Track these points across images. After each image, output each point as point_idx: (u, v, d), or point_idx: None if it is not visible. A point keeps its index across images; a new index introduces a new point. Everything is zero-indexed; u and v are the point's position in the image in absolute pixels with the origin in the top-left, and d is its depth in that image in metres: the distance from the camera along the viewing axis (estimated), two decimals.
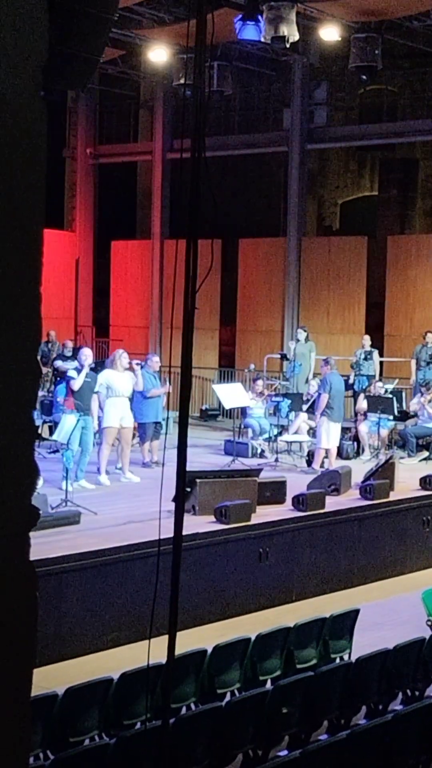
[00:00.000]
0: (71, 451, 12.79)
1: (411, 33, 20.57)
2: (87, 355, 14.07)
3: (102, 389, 14.09)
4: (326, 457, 15.37)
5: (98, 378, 14.13)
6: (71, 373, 13.91)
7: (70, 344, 20.20)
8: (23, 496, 2.53)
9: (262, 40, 16.64)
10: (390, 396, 17.06)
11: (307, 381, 18.35)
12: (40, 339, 2.60)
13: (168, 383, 15.48)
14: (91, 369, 14.25)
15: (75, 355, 15.78)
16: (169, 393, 15.71)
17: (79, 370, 13.82)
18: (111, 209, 27.58)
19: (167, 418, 15.72)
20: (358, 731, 6.57)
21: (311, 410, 16.34)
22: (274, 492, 12.76)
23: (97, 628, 10.15)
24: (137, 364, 14.84)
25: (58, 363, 17.32)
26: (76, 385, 13.62)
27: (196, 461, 14.44)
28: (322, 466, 15.16)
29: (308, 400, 16.82)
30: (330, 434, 15.19)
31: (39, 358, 2.60)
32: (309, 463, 15.64)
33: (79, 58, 4.11)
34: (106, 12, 4.17)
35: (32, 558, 2.56)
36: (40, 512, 2.65)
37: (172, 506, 3.70)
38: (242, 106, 25.02)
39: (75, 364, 14.30)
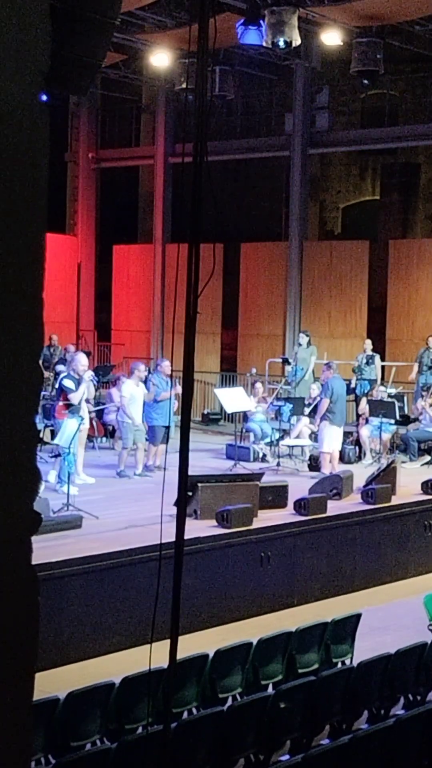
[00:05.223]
0: (73, 456, 12.77)
1: (413, 37, 20.59)
2: (83, 363, 13.96)
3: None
4: (329, 460, 15.36)
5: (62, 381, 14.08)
6: (67, 383, 13.67)
7: (72, 348, 20.21)
8: (25, 501, 2.53)
9: (264, 44, 16.67)
10: (392, 400, 17.05)
11: (298, 384, 18.34)
12: (43, 343, 2.60)
13: (178, 385, 15.43)
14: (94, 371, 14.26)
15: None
16: (178, 396, 15.68)
17: (72, 378, 13.62)
18: (113, 213, 27.62)
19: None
20: (359, 736, 6.55)
21: (313, 414, 16.32)
22: (276, 496, 12.75)
23: (98, 632, 10.14)
24: (91, 376, 14.92)
25: (60, 367, 17.31)
26: (76, 398, 13.49)
27: (198, 465, 14.45)
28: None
29: (310, 405, 16.81)
30: (332, 438, 15.19)
31: (41, 362, 2.60)
32: (311, 467, 15.62)
33: (81, 62, 4.11)
34: (107, 17, 4.17)
35: (34, 562, 2.56)
36: (42, 516, 2.65)
37: (173, 510, 3.69)
38: (244, 111, 25.04)
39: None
